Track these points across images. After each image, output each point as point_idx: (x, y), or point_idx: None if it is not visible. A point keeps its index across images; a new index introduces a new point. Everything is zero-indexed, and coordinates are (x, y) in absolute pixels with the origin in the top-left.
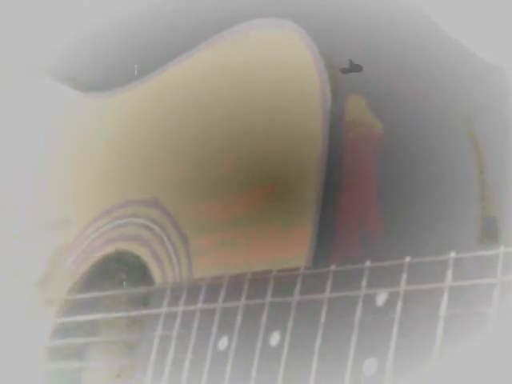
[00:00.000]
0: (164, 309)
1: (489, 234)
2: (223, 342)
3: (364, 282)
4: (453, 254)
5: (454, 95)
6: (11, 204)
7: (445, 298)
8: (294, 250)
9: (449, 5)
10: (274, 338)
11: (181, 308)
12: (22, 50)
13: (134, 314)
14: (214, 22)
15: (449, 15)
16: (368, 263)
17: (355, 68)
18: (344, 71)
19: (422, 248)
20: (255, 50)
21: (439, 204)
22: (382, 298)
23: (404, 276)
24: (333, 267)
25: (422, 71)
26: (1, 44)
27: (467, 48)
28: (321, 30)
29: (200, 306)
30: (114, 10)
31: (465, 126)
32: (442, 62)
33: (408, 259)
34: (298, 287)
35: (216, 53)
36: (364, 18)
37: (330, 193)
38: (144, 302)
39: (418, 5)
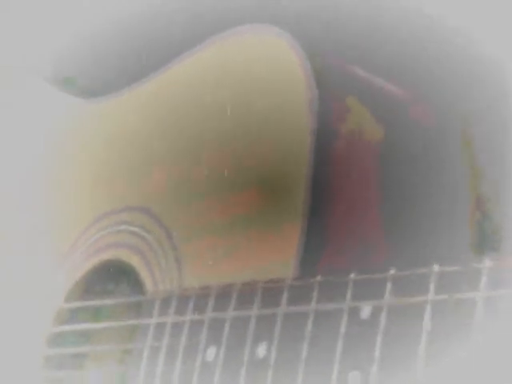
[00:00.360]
0: (154, 319)
1: (479, 245)
2: (211, 353)
3: (349, 294)
4: (436, 267)
5: (454, 95)
6: (11, 204)
7: (428, 311)
8: (282, 256)
9: (449, 5)
10: (261, 350)
11: (170, 318)
12: (22, 50)
13: (124, 323)
14: (213, 23)
15: (449, 15)
16: (352, 275)
17: None
18: None
19: (409, 260)
20: (246, 53)
21: (429, 215)
22: (366, 310)
23: (388, 288)
24: (318, 278)
25: (422, 71)
26: (1, 44)
27: (467, 48)
28: (318, 32)
29: (189, 316)
30: (114, 10)
31: (463, 129)
32: (442, 62)
33: (392, 271)
34: (284, 298)
35: (209, 56)
36: (363, 18)
37: (319, 201)
38: (135, 310)
39: (417, 5)
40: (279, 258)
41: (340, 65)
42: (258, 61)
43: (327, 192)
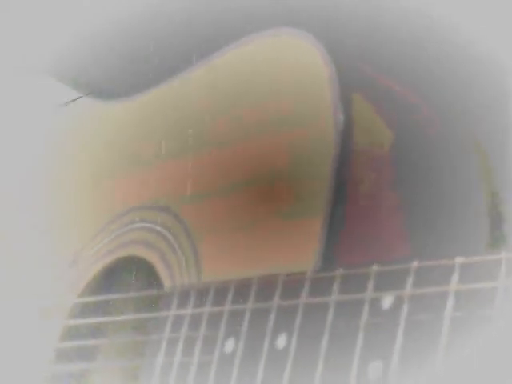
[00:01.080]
0: (172, 312)
1: (498, 238)
2: (230, 345)
3: (370, 286)
4: (458, 259)
5: (454, 96)
6: (12, 205)
7: (450, 301)
8: (303, 251)
9: (449, 5)
10: (281, 341)
11: (189, 311)
12: (22, 50)
13: (142, 316)
14: (216, 24)
15: (449, 15)
16: (375, 267)
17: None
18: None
19: (430, 253)
20: (267, 57)
21: (448, 209)
22: (387, 301)
23: (410, 280)
24: (340, 271)
25: (422, 72)
26: (1, 44)
27: (467, 48)
28: (322, 32)
29: (208, 308)
30: (115, 10)
31: (470, 131)
32: (442, 62)
33: (415, 263)
34: (305, 290)
35: (226, 61)
36: (363, 19)
37: (340, 195)
38: (152, 305)
39: (417, 5)
40: (300, 252)
41: (359, 68)
42: (283, 63)
43: (348, 187)
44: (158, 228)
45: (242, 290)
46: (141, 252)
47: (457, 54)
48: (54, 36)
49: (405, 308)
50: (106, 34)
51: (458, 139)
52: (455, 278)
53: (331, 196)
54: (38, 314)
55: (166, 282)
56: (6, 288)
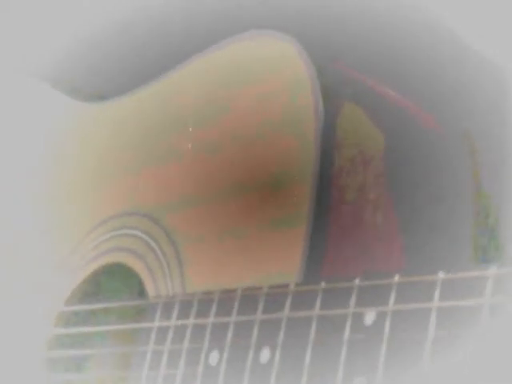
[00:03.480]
0: (156, 323)
1: (482, 251)
2: (214, 358)
3: (353, 300)
4: (441, 274)
5: (454, 96)
6: (11, 206)
7: (432, 318)
8: (286, 261)
9: (449, 5)
10: (265, 355)
11: (173, 322)
12: (22, 52)
13: (126, 327)
14: (216, 28)
15: (449, 15)
16: (357, 281)
17: None
18: None
19: (413, 267)
20: (249, 59)
21: (433, 221)
22: (370, 317)
23: (392, 295)
24: (322, 284)
25: (421, 73)
26: (1, 44)
27: (467, 48)
28: (320, 39)
29: (192, 320)
30: (114, 12)
31: (466, 137)
32: (443, 64)
33: (397, 278)
34: (288, 304)
35: (211, 62)
36: (353, 21)
37: (323, 207)
38: (137, 315)
39: (411, 5)
40: (283, 263)
41: (341, 70)
42: (263, 65)
43: (330, 198)
44: (142, 235)
45: (225, 302)
46: (125, 259)
47: (453, 56)
48: (54, 37)
49: (387, 324)
50: (106, 36)
51: (451, 144)
52: (437, 293)
53: (314, 205)
54: (25, 320)
55: (150, 290)
56: (4, 289)
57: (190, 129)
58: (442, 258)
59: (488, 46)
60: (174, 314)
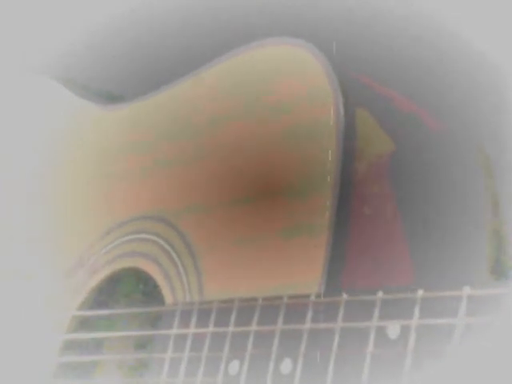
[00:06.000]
0: (174, 330)
1: (501, 267)
2: (234, 367)
3: (376, 313)
4: (466, 289)
5: (457, 99)
6: (16, 210)
7: (456, 333)
8: (307, 270)
9: (449, 5)
10: (286, 366)
11: (191, 330)
12: (24, 50)
13: (143, 333)
14: (232, 32)
15: (449, 15)
16: (380, 294)
17: None
18: None
19: (437, 281)
20: (268, 66)
21: (454, 236)
22: (394, 330)
23: (417, 309)
24: (345, 296)
25: (425, 76)
26: (1, 44)
27: (467, 49)
28: (324, 43)
29: (211, 329)
30: (114, 11)
31: (476, 144)
32: (444, 64)
33: (420, 292)
34: (309, 315)
35: (226, 69)
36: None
37: (342, 216)
38: (154, 321)
39: (418, 12)
40: (303, 273)
41: (353, 76)
42: (281, 72)
43: (351, 209)
44: (158, 240)
45: (245, 311)
46: (141, 264)
47: (458, 60)
48: (54, 36)
49: (412, 338)
50: (106, 34)
51: (460, 149)
52: (463, 308)
53: (335, 215)
54: (35, 326)
55: (167, 296)
56: (12, 294)
57: (207, 134)
58: (463, 274)
59: (495, 50)
60: (193, 321)
